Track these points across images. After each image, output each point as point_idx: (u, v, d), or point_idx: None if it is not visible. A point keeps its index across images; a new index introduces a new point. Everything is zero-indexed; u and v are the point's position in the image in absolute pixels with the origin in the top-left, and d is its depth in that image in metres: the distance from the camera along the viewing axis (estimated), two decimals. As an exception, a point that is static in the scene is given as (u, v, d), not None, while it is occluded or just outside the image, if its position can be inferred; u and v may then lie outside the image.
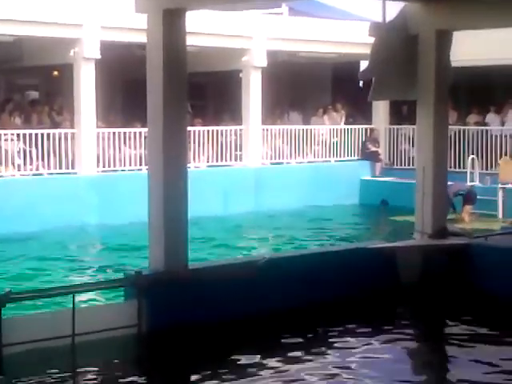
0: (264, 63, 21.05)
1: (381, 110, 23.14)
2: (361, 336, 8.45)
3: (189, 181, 8.62)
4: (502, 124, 21.59)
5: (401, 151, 22.94)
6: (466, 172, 20.07)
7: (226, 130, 20.96)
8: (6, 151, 17.75)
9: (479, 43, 19.63)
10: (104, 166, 18.95)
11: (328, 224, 19.29)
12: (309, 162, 22.22)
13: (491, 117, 21.85)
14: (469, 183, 19.52)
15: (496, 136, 21.25)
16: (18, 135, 18.03)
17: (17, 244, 16.08)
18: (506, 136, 21.13)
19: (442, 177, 10.65)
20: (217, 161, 20.71)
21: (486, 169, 20.80)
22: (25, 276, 13.43)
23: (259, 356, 7.72)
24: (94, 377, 7.26)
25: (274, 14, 22.20)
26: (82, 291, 8.76)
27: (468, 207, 18.70)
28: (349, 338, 8.37)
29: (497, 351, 8.02)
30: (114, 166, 19.12)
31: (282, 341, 8.12)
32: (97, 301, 10.57)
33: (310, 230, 18.33)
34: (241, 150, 21.09)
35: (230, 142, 20.93)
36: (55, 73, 22.29)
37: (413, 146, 20.68)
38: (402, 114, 23.21)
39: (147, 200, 8.61)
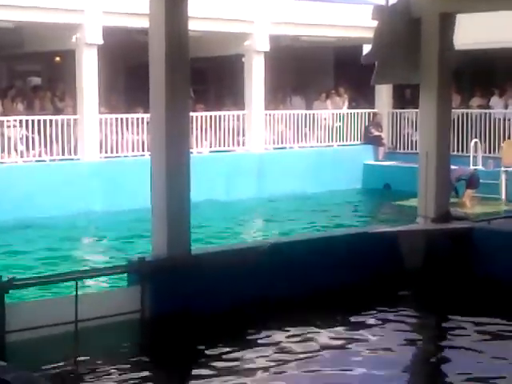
0: (266, 48, 20.98)
1: (384, 94, 23.09)
2: (364, 320, 8.45)
3: (191, 166, 8.60)
4: (506, 107, 21.53)
5: (404, 135, 22.90)
6: (469, 156, 20.05)
7: (229, 115, 20.92)
8: (9, 138, 17.75)
9: (483, 26, 19.53)
10: (107, 152, 18.95)
11: (331, 209, 19.28)
12: (312, 147, 22.19)
13: (495, 100, 21.77)
14: (472, 167, 19.50)
15: (499, 119, 21.20)
16: (21, 121, 18.02)
17: (20, 231, 16.09)
18: (509, 119, 21.07)
19: (444, 161, 10.62)
20: (219, 146, 20.69)
21: (489, 152, 20.76)
22: (28, 263, 13.45)
23: (262, 341, 7.73)
24: (97, 363, 7.27)
25: (276, -2, 22.12)
26: (85, 277, 8.75)
27: (469, 191, 18.68)
28: (353, 323, 8.37)
29: (498, 336, 8.01)
30: (117, 152, 19.11)
31: (286, 326, 8.12)
32: (100, 287, 10.59)
33: (312, 214, 18.32)
34: (243, 135, 21.07)
35: (233, 127, 20.90)
36: (57, 59, 22.25)
37: (416, 129, 20.66)
38: (405, 97, 23.14)
39: (150, 185, 8.59)
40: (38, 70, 23.32)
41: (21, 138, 18.01)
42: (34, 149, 18.10)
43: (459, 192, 18.48)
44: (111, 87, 20.91)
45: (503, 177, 19.29)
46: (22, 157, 17.96)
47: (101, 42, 18.35)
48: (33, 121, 18.02)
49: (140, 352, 7.78)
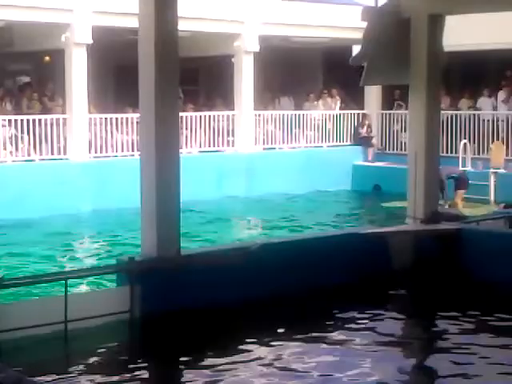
0: (256, 48, 20.99)
1: (373, 95, 23.13)
2: (353, 321, 8.47)
3: (181, 166, 8.60)
4: (494, 108, 21.59)
5: (393, 136, 22.91)
6: (458, 157, 20.10)
7: (218, 116, 20.92)
8: (-2, 137, 17.71)
9: (472, 28, 19.59)
10: (96, 152, 18.92)
11: (320, 209, 19.30)
12: (301, 148, 22.20)
13: (483, 101, 21.83)
14: (461, 168, 19.55)
15: (488, 120, 21.26)
16: (10, 121, 17.97)
17: (9, 231, 16.04)
18: (497, 120, 21.13)
19: (434, 162, 10.65)
20: (209, 146, 20.69)
21: (478, 153, 20.82)
22: (17, 263, 13.41)
23: (253, 341, 7.73)
24: (87, 363, 7.26)
25: (266, -1, 22.14)
26: (74, 277, 8.75)
27: (461, 192, 18.73)
28: (341, 323, 8.39)
29: (486, 335, 8.04)
30: (106, 151, 19.08)
31: (275, 326, 8.12)
32: (90, 286, 10.57)
33: (302, 215, 18.34)
34: (233, 136, 21.07)
35: (222, 127, 20.90)
36: (46, 58, 22.20)
37: (405, 130, 20.71)
38: (394, 98, 23.18)
39: (139, 186, 8.59)
40: (27, 69, 23.26)
41: (10, 138, 17.96)
42: (23, 148, 18.05)
43: (448, 191, 18.47)
44: (101, 87, 20.88)
45: (492, 178, 19.35)
46: (10, 156, 17.91)
47: (90, 41, 18.32)
48: (22, 120, 17.98)
49: (129, 352, 7.77)
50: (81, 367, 7.14)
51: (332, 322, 8.40)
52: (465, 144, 20.38)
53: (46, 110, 19.18)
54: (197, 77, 24.82)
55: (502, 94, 21.45)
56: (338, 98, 23.71)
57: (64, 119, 18.56)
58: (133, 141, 18.95)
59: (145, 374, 7.15)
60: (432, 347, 8.02)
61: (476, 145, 21.03)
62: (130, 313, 8.01)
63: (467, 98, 22.26)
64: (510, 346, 7.78)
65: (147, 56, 8.43)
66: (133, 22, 9.43)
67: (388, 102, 23.46)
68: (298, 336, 7.90)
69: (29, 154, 18.10)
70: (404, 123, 21.54)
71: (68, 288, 7.76)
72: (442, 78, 10.82)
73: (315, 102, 23.40)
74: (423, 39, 10.33)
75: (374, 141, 23.05)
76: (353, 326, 8.32)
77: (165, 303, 8.09)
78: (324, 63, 25.85)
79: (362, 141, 23.03)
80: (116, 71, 23.14)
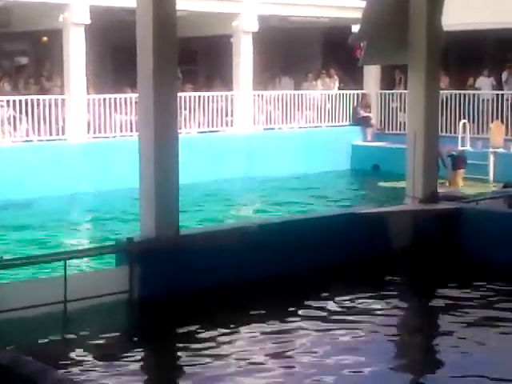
0: (255, 28, 20.91)
1: (372, 74, 23.06)
2: (351, 300, 8.48)
3: (180, 147, 8.59)
4: (493, 88, 21.54)
5: (392, 116, 22.87)
6: (458, 136, 20.09)
7: (217, 96, 20.87)
8: (-4, 118, 17.67)
9: (471, 7, 19.53)
10: (95, 133, 18.89)
11: (319, 189, 19.30)
12: (300, 128, 22.17)
13: (483, 81, 21.78)
14: (460, 148, 19.54)
15: (487, 100, 21.22)
16: (8, 101, 17.92)
17: (8, 212, 16.04)
18: (497, 100, 21.07)
19: (433, 142, 10.63)
20: (208, 127, 20.65)
21: (478, 133, 20.80)
22: (16, 243, 13.43)
23: (251, 321, 7.75)
24: (86, 343, 7.27)
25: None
26: (73, 258, 8.74)
27: (461, 171, 18.73)
28: (341, 302, 8.40)
29: (486, 315, 8.06)
30: (105, 132, 19.05)
31: (273, 306, 8.14)
32: (89, 267, 10.59)
33: (301, 195, 18.34)
34: (232, 116, 21.03)
35: (221, 107, 20.85)
36: (44, 38, 22.11)
37: (404, 110, 20.67)
38: (394, 78, 23.12)
39: (138, 166, 8.58)
40: (25, 49, 23.18)
41: (8, 118, 17.92)
42: (21, 129, 18.02)
43: (446, 168, 18.44)
44: (99, 67, 20.82)
45: (491, 158, 19.35)
46: (9, 137, 17.87)
47: (88, 21, 18.25)
48: (20, 101, 17.93)
49: (128, 332, 7.79)
50: (80, 347, 7.16)
51: (329, 302, 8.40)
52: (464, 124, 20.35)
53: (43, 91, 19.13)
54: (195, 57, 24.74)
55: (505, 75, 21.41)
56: (336, 77, 23.65)
57: (62, 100, 18.51)
58: (131, 121, 18.91)
59: (143, 354, 7.17)
60: (430, 328, 8.04)
61: (475, 124, 21.01)
62: (129, 293, 8.03)
63: (468, 77, 22.12)
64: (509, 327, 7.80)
65: (145, 36, 8.39)
66: (131, 2, 9.37)
67: (387, 81, 23.40)
68: (296, 317, 7.91)
69: (27, 135, 18.07)
70: (403, 103, 21.49)
71: (67, 268, 7.76)
72: (441, 58, 10.78)
73: (313, 82, 23.34)
74: (422, 18, 10.28)
75: (373, 121, 23.02)
76: (350, 305, 8.33)
77: (164, 283, 8.10)
78: (323, 43, 25.76)
79: (361, 121, 22.99)
80: (114, 51, 23.05)
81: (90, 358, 6.93)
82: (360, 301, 8.47)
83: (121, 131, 19.16)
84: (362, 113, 23.02)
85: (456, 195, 11.86)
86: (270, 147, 20.81)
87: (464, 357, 7.00)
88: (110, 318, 7.89)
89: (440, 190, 13.01)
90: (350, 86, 23.72)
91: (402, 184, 12.16)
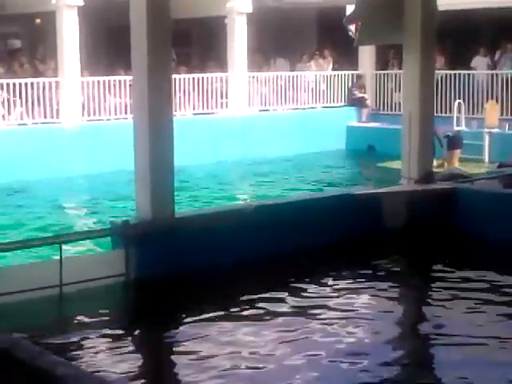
0: (249, 9, 20.83)
1: (367, 55, 23.00)
2: (346, 281, 8.50)
3: (175, 129, 8.56)
4: (489, 68, 21.50)
5: (388, 96, 22.83)
6: (453, 117, 20.06)
7: (212, 78, 20.81)
8: (-10, 101, 17.60)
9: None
10: (89, 116, 18.83)
11: (315, 170, 19.30)
12: (295, 109, 22.13)
13: (478, 60, 21.72)
14: (455, 128, 19.52)
15: (482, 80, 21.18)
16: (2, 85, 17.85)
17: (2, 195, 16.01)
18: (491, 79, 21.04)
19: (428, 122, 10.61)
20: (203, 109, 20.60)
21: (473, 113, 20.77)
22: (11, 227, 13.41)
23: (248, 302, 7.75)
24: (82, 326, 7.28)
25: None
26: (69, 241, 8.74)
27: (457, 151, 18.73)
28: (333, 283, 8.42)
29: (479, 293, 8.06)
30: (100, 115, 18.99)
31: (268, 288, 8.15)
32: (84, 250, 10.58)
33: (296, 176, 18.34)
34: (227, 98, 20.97)
35: (216, 89, 20.79)
36: (37, 21, 22.01)
37: (399, 90, 20.63)
38: (388, 58, 23.07)
39: (133, 149, 8.56)
40: (18, 32, 23.08)
41: (2, 102, 17.85)
42: (15, 112, 17.95)
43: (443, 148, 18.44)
44: (92, 49, 20.73)
45: (486, 138, 19.34)
46: (3, 120, 17.82)
47: (81, 3, 18.16)
48: (14, 84, 17.86)
49: (125, 314, 7.80)
50: (76, 330, 7.16)
51: (325, 282, 8.42)
52: (459, 104, 20.32)
53: (37, 74, 19.05)
54: (190, 39, 24.66)
55: (498, 54, 21.36)
56: (330, 58, 23.58)
57: (56, 82, 18.44)
58: (126, 104, 18.85)
59: (140, 337, 7.18)
60: (426, 307, 8.06)
61: (470, 104, 20.97)
62: (125, 276, 8.03)
63: (464, 57, 22.09)
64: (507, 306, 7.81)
65: (139, 18, 8.35)
66: (124, -17, 9.32)
67: (382, 62, 23.34)
68: (294, 298, 7.92)
69: (21, 118, 18.00)
70: (398, 83, 21.45)
71: (62, 252, 7.75)
72: (437, 38, 10.74)
73: (308, 64, 23.27)
74: (417, -2, 10.23)
75: (368, 101, 22.98)
76: (346, 286, 8.34)
77: (160, 266, 8.10)
78: (318, 24, 25.67)
79: (356, 101, 22.94)
80: (108, 33, 22.96)
81: (86, 341, 6.93)
82: (355, 280, 8.48)
83: (115, 114, 19.11)
84: (357, 93, 22.98)
85: (461, 173, 11.88)
86: (265, 129, 20.78)
87: (461, 339, 7.00)
88: (106, 301, 7.89)
89: (441, 169, 13.04)
90: (345, 66, 23.66)
91: (397, 164, 12.15)
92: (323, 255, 8.96)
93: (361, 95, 22.99)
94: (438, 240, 9.63)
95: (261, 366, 6.40)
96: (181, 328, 7.30)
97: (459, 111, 20.15)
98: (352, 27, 19.15)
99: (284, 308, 7.65)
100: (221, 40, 21.47)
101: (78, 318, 7.47)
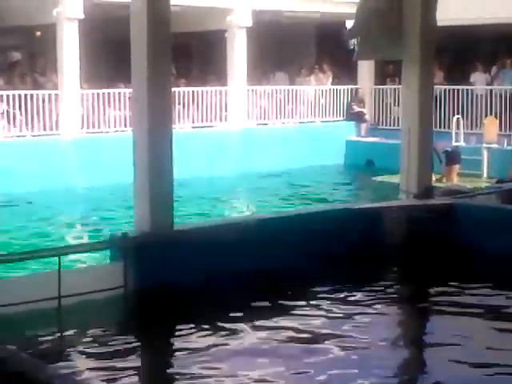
0: (249, 23, 20.89)
1: (366, 69, 23.06)
2: (348, 295, 8.49)
3: (174, 142, 8.58)
4: (488, 83, 21.55)
5: (387, 111, 22.87)
6: (451, 132, 20.09)
7: (211, 91, 20.84)
8: (-10, 113, 17.62)
9: (465, 2, 19.54)
10: (88, 128, 18.85)
11: (313, 185, 19.30)
12: (294, 123, 22.16)
13: (478, 75, 21.78)
14: (454, 143, 19.55)
15: (481, 95, 21.24)
16: (1, 96, 17.87)
17: (1, 207, 16.00)
18: (491, 95, 21.10)
19: (427, 137, 10.63)
20: (202, 122, 20.62)
21: (471, 129, 20.81)
22: (10, 238, 13.40)
23: (245, 316, 7.74)
24: (80, 338, 7.26)
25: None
26: (67, 253, 8.73)
27: (456, 167, 18.76)
28: (335, 299, 8.41)
29: (479, 306, 8.06)
30: (99, 127, 19.02)
31: (270, 301, 8.14)
32: (83, 263, 10.57)
33: (295, 190, 18.34)
34: (226, 111, 21.00)
35: (215, 102, 20.83)
36: (38, 33, 22.06)
37: (398, 105, 20.68)
38: (387, 73, 23.13)
39: (132, 162, 8.56)
40: (18, 44, 23.12)
41: (1, 114, 17.87)
42: (15, 124, 17.97)
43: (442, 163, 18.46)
44: (92, 62, 20.77)
45: (485, 153, 19.36)
46: (3, 132, 17.82)
47: (82, 16, 18.21)
48: (14, 96, 17.89)
49: (123, 327, 7.78)
50: (75, 343, 7.15)
51: (325, 299, 8.41)
52: (458, 119, 20.36)
53: (37, 86, 19.08)
54: (190, 52, 24.71)
55: (494, 70, 21.43)
56: (329, 73, 23.65)
57: (56, 95, 18.47)
58: (125, 116, 18.88)
59: (138, 349, 7.16)
60: (424, 323, 8.05)
61: (469, 120, 21.02)
62: (124, 288, 8.01)
63: (462, 73, 22.16)
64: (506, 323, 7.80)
65: (139, 31, 8.37)
66: (125, -3, 9.37)
67: (381, 77, 23.40)
68: (294, 311, 7.91)
69: (21, 130, 18.02)
70: (397, 98, 21.50)
71: (61, 264, 7.74)
72: (436, 53, 10.78)
73: (307, 78, 23.32)
74: (416, 14, 10.27)
75: (367, 116, 23.02)
76: (342, 300, 8.33)
77: (158, 278, 8.08)
78: (317, 38, 25.76)
79: (355, 116, 22.99)
80: (108, 46, 22.98)
81: (84, 353, 6.91)
82: (355, 295, 8.47)
83: (115, 126, 19.13)
84: (356, 108, 23.02)
85: (459, 189, 11.90)
86: (264, 142, 20.79)
87: (462, 351, 6.98)
88: (104, 313, 7.88)
89: (441, 184, 13.04)
90: (344, 81, 23.72)
91: (396, 179, 12.16)
92: (321, 269, 8.94)
93: (360, 110, 23.04)
94: (437, 254, 9.62)
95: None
96: (181, 340, 7.29)
97: (458, 126, 20.18)
98: (354, 41, 19.20)
99: (286, 323, 7.63)
100: (220, 54, 21.53)
101: (76, 330, 7.46)
